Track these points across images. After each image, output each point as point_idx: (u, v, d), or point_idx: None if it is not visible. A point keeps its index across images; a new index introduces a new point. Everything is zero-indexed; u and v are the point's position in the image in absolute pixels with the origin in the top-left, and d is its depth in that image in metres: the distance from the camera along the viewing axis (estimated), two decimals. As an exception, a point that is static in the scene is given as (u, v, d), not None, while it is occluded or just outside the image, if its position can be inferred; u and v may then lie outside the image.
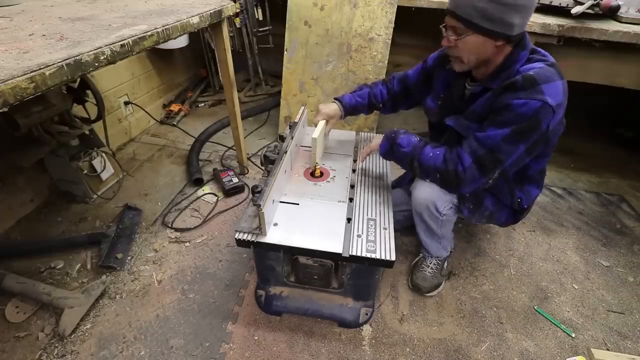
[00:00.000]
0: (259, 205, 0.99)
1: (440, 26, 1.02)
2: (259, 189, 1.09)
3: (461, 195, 1.17)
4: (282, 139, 1.34)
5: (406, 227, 1.60)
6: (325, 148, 1.48)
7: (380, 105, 1.41)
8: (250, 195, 1.12)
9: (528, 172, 1.17)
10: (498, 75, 1.02)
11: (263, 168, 1.28)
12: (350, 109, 1.39)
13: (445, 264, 1.42)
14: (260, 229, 1.06)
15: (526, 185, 1.21)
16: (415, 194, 1.20)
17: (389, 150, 1.17)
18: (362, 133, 1.62)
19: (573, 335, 1.27)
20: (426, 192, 1.17)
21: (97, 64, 0.87)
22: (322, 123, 1.33)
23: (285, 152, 1.23)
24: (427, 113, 1.30)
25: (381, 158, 1.42)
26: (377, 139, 1.25)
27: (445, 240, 1.33)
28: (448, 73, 1.19)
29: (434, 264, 1.38)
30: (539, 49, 1.05)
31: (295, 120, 1.40)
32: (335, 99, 1.40)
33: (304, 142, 1.52)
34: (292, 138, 1.31)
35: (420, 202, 1.19)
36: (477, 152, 1.00)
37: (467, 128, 1.10)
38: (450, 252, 1.44)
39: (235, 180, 1.87)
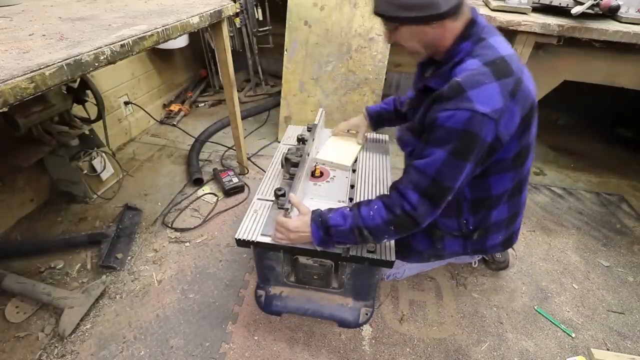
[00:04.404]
0: (287, 209, 1.01)
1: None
2: (282, 192, 1.10)
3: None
4: (302, 141, 1.34)
5: None
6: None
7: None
8: (274, 198, 1.14)
9: (491, 192, 1.02)
10: (440, 67, 0.93)
11: (284, 170, 1.29)
12: (375, 114, 1.39)
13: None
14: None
15: (491, 209, 1.06)
16: None
17: (326, 236, 0.97)
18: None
19: (573, 335, 1.27)
20: None
21: (97, 64, 0.87)
22: (340, 126, 1.48)
23: (308, 155, 1.22)
24: None
25: (381, 158, 1.43)
26: (298, 222, 1.00)
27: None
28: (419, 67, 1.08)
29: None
30: (489, 37, 0.88)
31: (315, 122, 1.41)
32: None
33: (322, 145, 1.51)
34: (313, 140, 1.31)
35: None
36: (421, 185, 0.87)
37: (405, 144, 1.00)
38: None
39: (235, 180, 1.87)
